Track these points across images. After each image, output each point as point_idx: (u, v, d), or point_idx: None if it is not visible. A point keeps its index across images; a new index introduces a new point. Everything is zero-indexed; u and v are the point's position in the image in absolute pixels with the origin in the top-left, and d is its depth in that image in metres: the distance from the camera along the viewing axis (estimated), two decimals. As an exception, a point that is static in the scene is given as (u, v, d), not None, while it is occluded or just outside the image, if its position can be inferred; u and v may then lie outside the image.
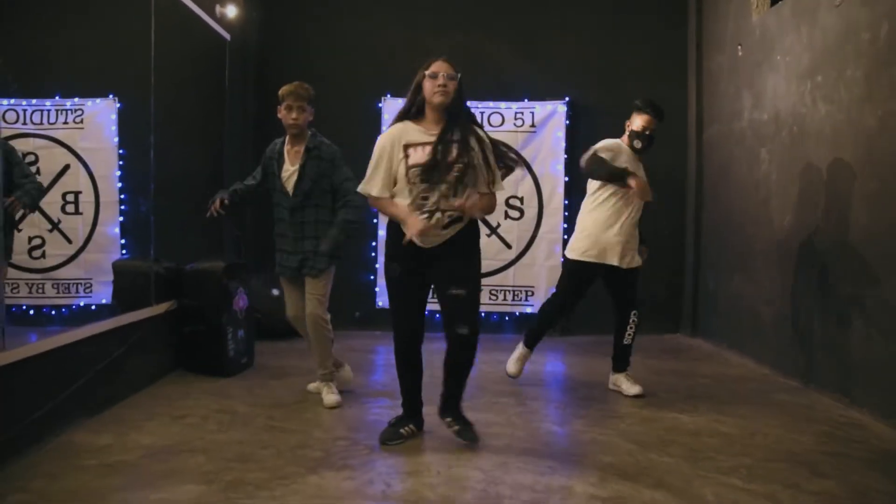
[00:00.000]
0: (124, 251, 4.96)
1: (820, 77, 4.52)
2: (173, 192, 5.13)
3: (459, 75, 3.36)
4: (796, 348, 4.77)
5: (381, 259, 6.50)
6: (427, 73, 3.33)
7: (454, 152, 3.29)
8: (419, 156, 3.30)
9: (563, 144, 6.48)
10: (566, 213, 6.48)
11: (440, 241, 3.35)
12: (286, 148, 4.16)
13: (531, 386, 4.64)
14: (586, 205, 4.47)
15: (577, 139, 6.53)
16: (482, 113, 6.45)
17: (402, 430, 3.50)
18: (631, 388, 4.41)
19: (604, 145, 4.34)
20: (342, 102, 6.62)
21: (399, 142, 3.36)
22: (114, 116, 4.99)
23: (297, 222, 4.12)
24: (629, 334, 4.51)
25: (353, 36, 6.70)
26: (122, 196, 4.99)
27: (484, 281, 6.39)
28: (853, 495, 2.90)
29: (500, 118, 6.49)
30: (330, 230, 4.11)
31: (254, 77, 6.61)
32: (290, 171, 4.11)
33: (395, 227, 3.41)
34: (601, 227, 4.35)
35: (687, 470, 3.13)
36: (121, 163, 4.98)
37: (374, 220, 6.56)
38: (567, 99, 6.51)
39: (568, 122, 6.50)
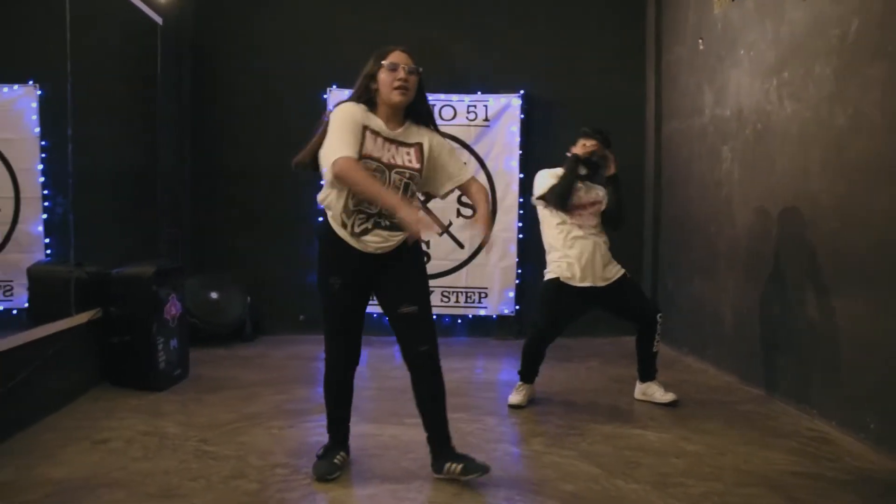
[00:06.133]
0: (49, 252, 4.56)
1: (786, 73, 4.34)
2: (99, 188, 4.73)
3: (421, 69, 2.97)
4: (760, 355, 4.61)
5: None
6: (385, 63, 2.91)
7: (401, 157, 2.95)
8: (371, 146, 2.89)
9: (517, 139, 6.21)
10: (521, 212, 6.22)
11: (389, 248, 2.98)
12: None
13: (485, 398, 4.37)
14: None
15: (533, 134, 6.29)
16: (433, 105, 6.14)
17: (335, 461, 3.12)
18: (665, 396, 4.24)
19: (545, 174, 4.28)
20: (285, 92, 6.26)
21: (360, 120, 2.90)
22: (35, 104, 4.57)
23: None
24: (657, 341, 4.29)
25: (298, 22, 6.31)
26: (46, 192, 4.59)
27: (435, 282, 6.14)
28: (832, 525, 2.71)
29: (451, 111, 6.20)
30: None
31: (190, 64, 6.18)
32: None
33: (331, 235, 2.99)
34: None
35: (656, 499, 2.89)
36: (44, 155, 4.56)
37: (319, 218, 6.19)
38: (522, 92, 6.24)
39: (523, 115, 6.24)
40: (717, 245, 5.23)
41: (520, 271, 6.27)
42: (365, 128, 2.90)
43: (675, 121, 6.06)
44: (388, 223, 2.92)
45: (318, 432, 3.68)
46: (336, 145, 2.82)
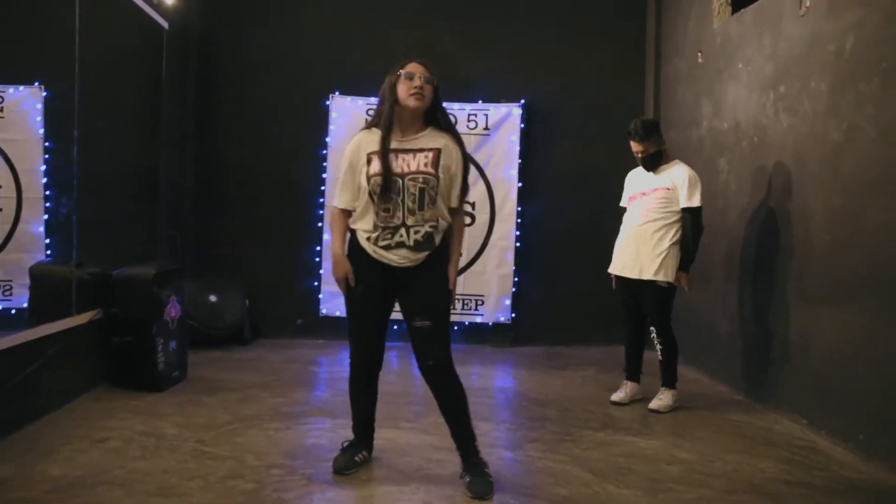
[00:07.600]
0: (49, 252, 4.59)
1: (783, 88, 4.40)
2: (103, 190, 4.76)
3: (437, 81, 3.08)
4: (753, 365, 4.66)
5: (327, 267, 6.22)
6: (403, 73, 3.04)
7: (416, 162, 3.03)
8: (377, 166, 3.03)
9: (517, 148, 6.26)
10: (519, 220, 6.28)
11: (411, 265, 3.07)
12: None
13: (481, 404, 4.39)
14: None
15: (532, 143, 6.35)
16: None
17: (356, 458, 3.24)
18: (652, 402, 4.39)
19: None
20: (287, 98, 6.32)
21: (363, 149, 3.09)
22: (39, 106, 4.62)
23: None
24: (657, 349, 4.49)
25: (302, 29, 6.38)
26: (48, 192, 4.62)
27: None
28: (820, 533, 2.76)
29: (452, 119, 6.22)
30: None
31: (194, 69, 6.24)
32: None
33: (357, 245, 3.14)
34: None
35: (647, 504, 2.95)
36: (47, 156, 4.60)
37: (319, 224, 6.26)
38: (523, 101, 6.30)
39: (523, 125, 6.29)
40: (712, 255, 5.28)
41: (516, 279, 6.32)
42: (370, 154, 3.06)
43: (672, 131, 6.11)
44: (411, 244, 3.03)
45: (314, 435, 3.73)
46: (338, 190, 3.19)
